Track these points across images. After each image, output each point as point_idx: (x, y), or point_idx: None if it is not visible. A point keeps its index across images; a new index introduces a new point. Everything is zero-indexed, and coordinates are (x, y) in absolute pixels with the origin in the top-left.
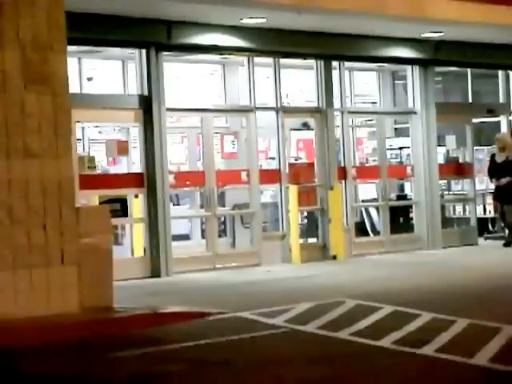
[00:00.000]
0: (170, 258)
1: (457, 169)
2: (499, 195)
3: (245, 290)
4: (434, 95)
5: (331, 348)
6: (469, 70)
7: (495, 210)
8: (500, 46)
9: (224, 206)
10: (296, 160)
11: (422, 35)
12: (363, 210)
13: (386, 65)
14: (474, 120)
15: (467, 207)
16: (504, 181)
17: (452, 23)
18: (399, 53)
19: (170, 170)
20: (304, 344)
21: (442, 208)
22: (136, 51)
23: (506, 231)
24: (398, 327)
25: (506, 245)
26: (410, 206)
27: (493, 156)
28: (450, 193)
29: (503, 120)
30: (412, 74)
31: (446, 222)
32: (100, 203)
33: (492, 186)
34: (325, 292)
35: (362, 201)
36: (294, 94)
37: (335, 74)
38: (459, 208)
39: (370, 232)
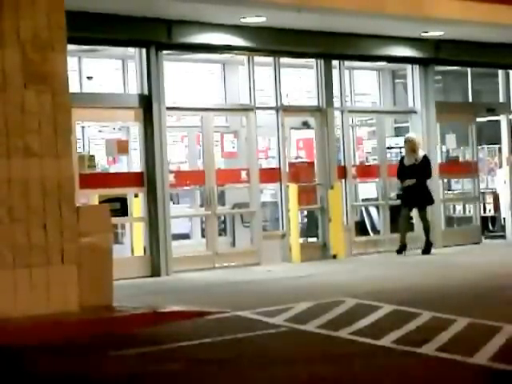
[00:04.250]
0: (169, 257)
1: (460, 168)
2: (406, 199)
3: (245, 289)
4: (434, 94)
5: (331, 347)
6: (469, 70)
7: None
8: (500, 45)
9: (224, 205)
10: (296, 159)
11: (422, 34)
12: (363, 209)
13: (386, 64)
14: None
15: (470, 206)
16: (409, 182)
17: (452, 22)
18: (399, 52)
19: (170, 169)
20: (304, 343)
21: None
22: (136, 50)
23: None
24: (398, 326)
25: (425, 252)
26: None
27: (402, 158)
28: (449, 192)
29: (503, 119)
30: (412, 73)
31: (451, 220)
32: (100, 202)
33: (491, 185)
34: (325, 291)
35: (362, 200)
36: (294, 93)
37: (335, 73)
38: (460, 207)
39: (370, 231)
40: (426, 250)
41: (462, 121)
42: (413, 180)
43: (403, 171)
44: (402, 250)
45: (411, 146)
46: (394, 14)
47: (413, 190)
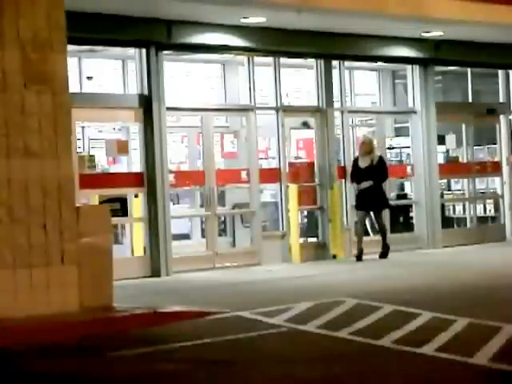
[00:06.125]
0: (169, 257)
1: (485, 167)
2: (362, 202)
3: (245, 290)
4: (434, 95)
5: (331, 347)
6: (469, 70)
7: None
8: (500, 45)
9: (224, 205)
10: (296, 159)
11: (422, 34)
12: None
13: (386, 64)
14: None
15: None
16: (366, 184)
17: (452, 22)
18: (399, 52)
19: (170, 169)
20: (304, 343)
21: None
22: (136, 50)
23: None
24: (398, 326)
25: (383, 256)
26: (410, 206)
27: (356, 160)
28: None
29: (503, 120)
30: (412, 73)
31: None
32: (100, 203)
33: (491, 186)
34: (324, 291)
35: None
36: (294, 94)
37: (335, 73)
38: (458, 207)
39: (369, 231)
40: (384, 254)
41: (461, 121)
42: (369, 182)
43: (358, 173)
44: (360, 255)
45: (370, 147)
46: (394, 14)
47: (369, 192)
